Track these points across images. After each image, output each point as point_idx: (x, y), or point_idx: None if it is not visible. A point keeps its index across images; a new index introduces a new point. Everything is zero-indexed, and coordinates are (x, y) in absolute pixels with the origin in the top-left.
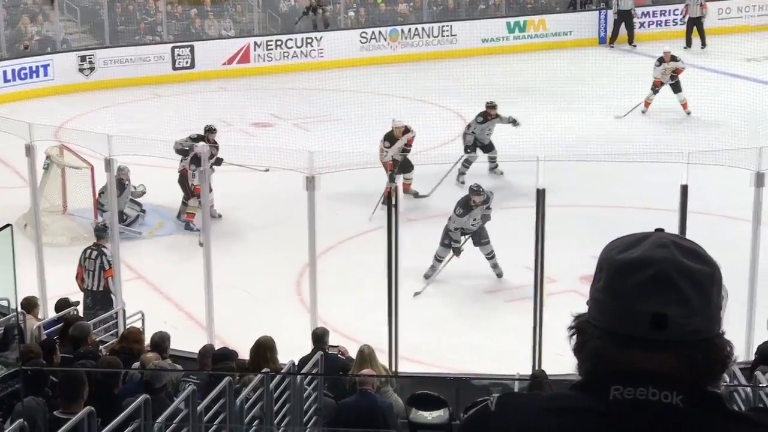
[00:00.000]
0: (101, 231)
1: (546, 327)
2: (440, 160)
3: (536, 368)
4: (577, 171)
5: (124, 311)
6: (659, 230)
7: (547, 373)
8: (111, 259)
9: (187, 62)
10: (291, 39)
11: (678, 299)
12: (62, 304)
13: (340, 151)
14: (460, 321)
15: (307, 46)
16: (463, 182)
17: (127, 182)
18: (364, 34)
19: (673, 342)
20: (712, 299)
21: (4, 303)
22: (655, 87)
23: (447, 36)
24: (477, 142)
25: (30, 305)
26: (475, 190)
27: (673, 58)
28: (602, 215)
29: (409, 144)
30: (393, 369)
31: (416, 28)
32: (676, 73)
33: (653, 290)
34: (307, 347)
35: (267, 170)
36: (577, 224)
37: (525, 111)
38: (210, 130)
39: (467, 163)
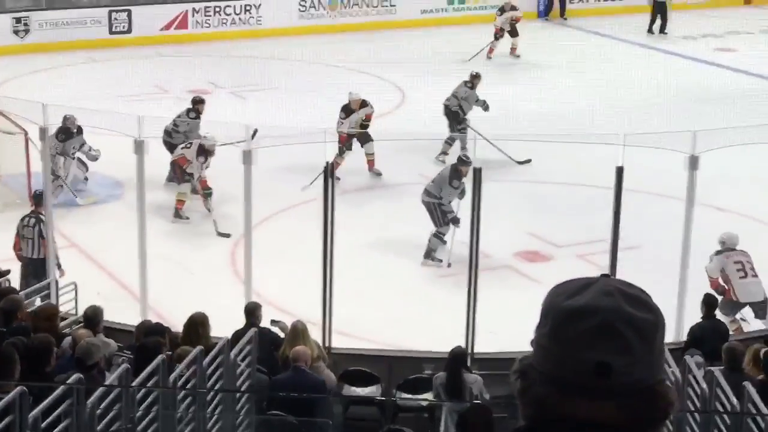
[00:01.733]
0: (39, 198)
1: (480, 303)
2: (380, 136)
3: (464, 345)
4: (512, 147)
5: (57, 282)
6: (605, 275)
7: (480, 351)
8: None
9: (124, 27)
10: (229, 6)
11: (622, 348)
12: None
13: (279, 125)
14: (394, 296)
15: (245, 14)
16: (443, 161)
17: (73, 130)
18: (302, 3)
19: (616, 391)
20: (655, 347)
21: None
22: (497, 34)
23: (386, 6)
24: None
25: None
26: (465, 160)
27: (513, 8)
28: (537, 192)
29: (367, 119)
30: (326, 344)
31: None
32: (515, 20)
33: (598, 339)
34: (241, 321)
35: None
36: (512, 201)
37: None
38: (200, 101)
39: (451, 141)
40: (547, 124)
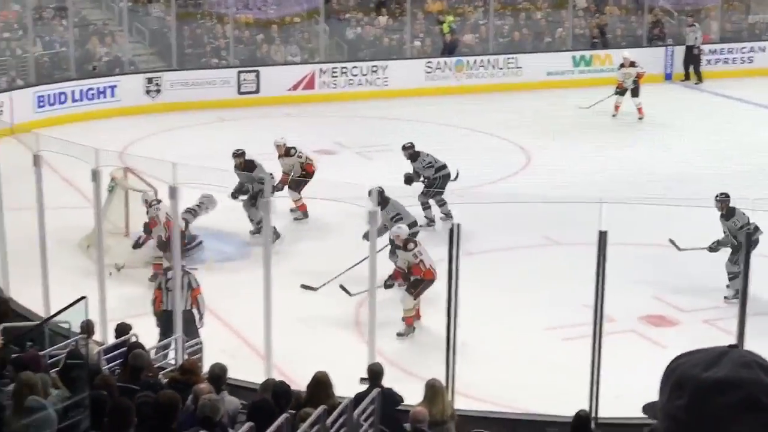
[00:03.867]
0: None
1: (604, 367)
2: (505, 198)
3: (588, 409)
4: (639, 210)
5: (184, 339)
6: (733, 347)
7: (603, 416)
8: (197, 279)
9: (252, 87)
10: (356, 66)
11: (764, 423)
12: (122, 328)
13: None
14: (517, 358)
15: (372, 74)
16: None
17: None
18: (429, 64)
19: None
20: None
21: (65, 326)
22: (618, 89)
23: (512, 68)
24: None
25: (88, 329)
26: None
27: (632, 64)
28: (663, 255)
29: (307, 171)
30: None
31: (481, 60)
32: (637, 77)
33: (743, 414)
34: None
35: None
36: (637, 263)
37: (587, 147)
38: (236, 155)
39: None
40: (675, 186)
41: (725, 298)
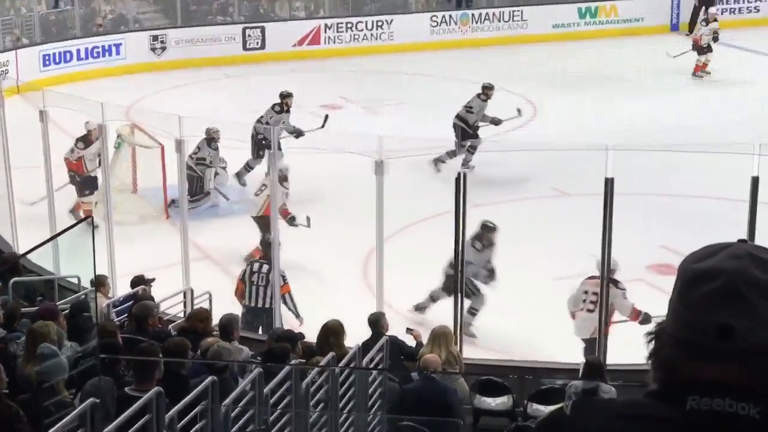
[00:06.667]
0: (268, 246)
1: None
2: (514, 147)
3: (596, 356)
4: (645, 159)
5: (192, 291)
6: (742, 241)
7: (612, 363)
8: (284, 273)
9: (257, 43)
10: (361, 21)
11: (745, 311)
12: (137, 280)
13: (409, 137)
14: (525, 308)
15: (377, 29)
16: (439, 170)
17: (218, 140)
18: (434, 18)
19: (741, 354)
20: None
21: (74, 281)
22: (699, 47)
23: (518, 21)
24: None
25: (99, 283)
26: (490, 226)
27: (715, 19)
28: (671, 205)
29: None
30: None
31: (487, 13)
32: (716, 33)
33: (721, 301)
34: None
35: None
36: (645, 213)
37: (593, 98)
38: (287, 95)
39: (472, 149)
40: (684, 135)
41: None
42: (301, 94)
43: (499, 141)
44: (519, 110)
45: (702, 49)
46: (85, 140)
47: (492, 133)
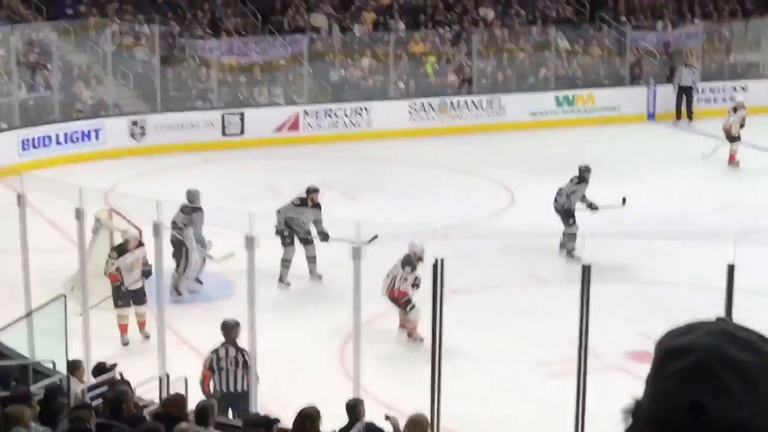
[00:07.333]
0: (232, 328)
1: (589, 402)
2: (491, 235)
3: None
4: (624, 247)
5: (167, 376)
6: (721, 319)
7: None
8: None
9: (237, 129)
10: (340, 108)
11: (718, 389)
12: (100, 368)
13: (386, 222)
14: (503, 395)
15: (356, 116)
16: (573, 256)
17: (198, 206)
18: (413, 105)
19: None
20: (759, 390)
21: (49, 365)
22: (731, 136)
23: (495, 108)
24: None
25: (74, 368)
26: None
27: (743, 106)
28: (650, 292)
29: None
30: None
31: (465, 100)
32: (742, 123)
33: (693, 379)
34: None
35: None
36: (624, 300)
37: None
38: (314, 190)
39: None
40: (658, 223)
41: None
42: (280, 180)
43: (476, 231)
44: (624, 199)
45: (734, 138)
46: (120, 249)
47: (468, 221)
